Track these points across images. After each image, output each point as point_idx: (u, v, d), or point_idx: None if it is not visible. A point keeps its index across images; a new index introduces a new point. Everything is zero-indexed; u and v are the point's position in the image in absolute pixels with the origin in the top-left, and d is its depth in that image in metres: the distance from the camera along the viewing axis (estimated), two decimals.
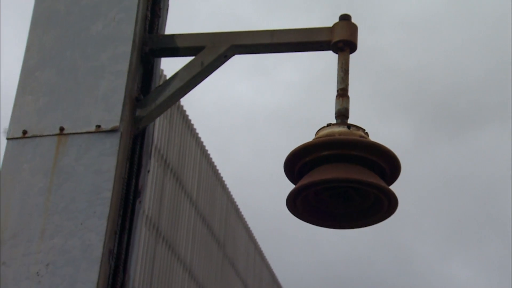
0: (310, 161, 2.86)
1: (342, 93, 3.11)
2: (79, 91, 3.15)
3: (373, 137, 2.94)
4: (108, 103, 3.13)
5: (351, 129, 2.91)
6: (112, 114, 3.11)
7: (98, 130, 3.09)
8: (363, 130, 2.95)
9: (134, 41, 3.24)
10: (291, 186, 2.99)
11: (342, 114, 3.05)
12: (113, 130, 3.08)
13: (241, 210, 6.68)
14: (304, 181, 2.81)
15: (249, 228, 6.97)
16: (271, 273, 7.55)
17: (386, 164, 2.87)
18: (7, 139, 3.09)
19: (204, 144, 6.06)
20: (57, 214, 2.96)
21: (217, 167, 6.10)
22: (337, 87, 3.13)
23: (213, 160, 5.91)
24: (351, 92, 3.12)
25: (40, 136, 3.08)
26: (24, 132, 3.09)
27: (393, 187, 2.89)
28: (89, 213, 2.97)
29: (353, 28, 3.23)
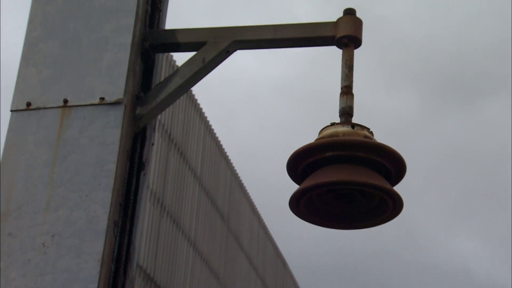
0: (313, 161, 2.79)
1: (346, 91, 3.00)
2: (82, 63, 3.14)
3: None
4: (111, 76, 3.12)
5: (355, 128, 2.82)
6: (115, 86, 3.11)
7: (102, 102, 3.09)
8: (368, 129, 2.86)
9: (137, 13, 3.22)
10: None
11: (346, 113, 2.95)
12: (116, 103, 3.08)
13: (245, 183, 6.71)
14: (307, 183, 2.75)
15: (252, 202, 7.00)
16: (274, 246, 7.59)
17: (391, 164, 2.79)
18: (11, 111, 3.09)
19: (208, 117, 6.07)
20: (62, 186, 2.97)
21: (221, 141, 6.10)
22: (341, 84, 3.03)
23: (217, 133, 5.92)
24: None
25: (44, 108, 3.08)
26: (28, 104, 3.09)
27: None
28: (93, 185, 2.98)
29: (358, 23, 3.13)
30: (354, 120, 2.97)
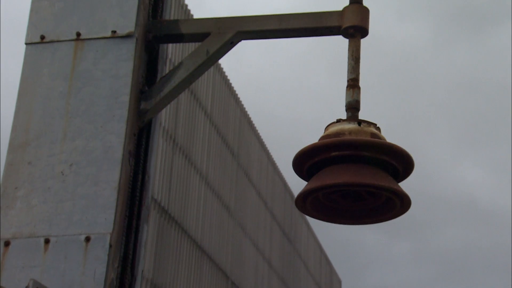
0: (319, 161, 2.73)
1: (353, 84, 2.92)
2: None
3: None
4: (123, 8, 3.17)
5: (361, 125, 2.75)
6: (127, 19, 3.15)
7: (114, 35, 3.15)
8: (375, 125, 2.79)
9: None
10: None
11: (352, 107, 2.88)
12: (128, 36, 3.14)
13: (254, 117, 6.78)
14: (313, 183, 2.70)
15: (262, 139, 7.09)
16: (283, 181, 7.73)
17: (398, 162, 2.72)
18: (26, 44, 3.16)
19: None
20: (78, 117, 3.06)
21: (230, 76, 6.15)
22: (348, 77, 2.94)
23: (225, 67, 5.95)
24: None
25: (58, 41, 3.14)
26: (42, 37, 3.15)
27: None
28: (108, 117, 3.07)
29: (364, 12, 3.04)
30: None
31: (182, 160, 5.10)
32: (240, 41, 3.19)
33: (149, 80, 3.25)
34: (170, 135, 4.92)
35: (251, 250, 6.26)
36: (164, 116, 4.62)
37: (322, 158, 2.70)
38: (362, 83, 2.99)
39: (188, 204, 5.04)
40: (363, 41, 3.05)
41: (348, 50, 2.98)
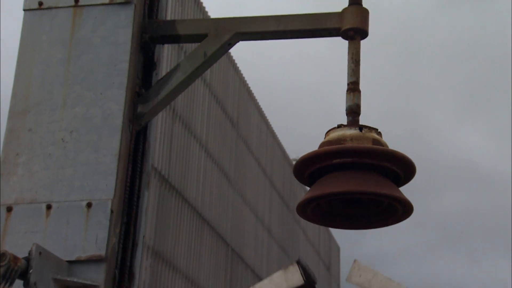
0: (321, 167, 2.69)
1: (353, 88, 2.86)
2: None
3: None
4: None
5: (363, 131, 2.70)
6: None
7: (112, 2, 3.13)
8: (376, 130, 2.75)
9: None
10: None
11: (353, 111, 2.83)
12: (126, 2, 3.12)
13: (254, 86, 6.80)
14: (314, 191, 2.67)
15: (261, 108, 7.11)
16: (282, 150, 7.77)
17: (400, 168, 2.69)
18: (24, 10, 3.14)
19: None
20: (77, 84, 3.07)
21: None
22: (348, 80, 2.88)
23: None
24: None
25: (56, 7, 3.13)
26: (40, 3, 3.13)
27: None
28: (108, 84, 3.07)
29: (364, 14, 2.97)
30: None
31: (182, 129, 5.11)
32: (238, 42, 3.16)
33: (145, 82, 3.23)
34: (170, 104, 4.93)
35: (251, 218, 6.33)
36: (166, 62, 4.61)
37: (324, 165, 2.69)
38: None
39: (188, 173, 5.08)
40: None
41: (348, 52, 2.93)
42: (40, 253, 2.58)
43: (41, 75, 3.07)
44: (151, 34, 3.18)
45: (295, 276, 2.53)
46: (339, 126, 2.76)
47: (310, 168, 2.73)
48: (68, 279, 2.72)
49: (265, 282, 2.58)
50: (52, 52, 3.10)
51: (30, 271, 2.52)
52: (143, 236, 3.19)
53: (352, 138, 2.69)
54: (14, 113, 3.04)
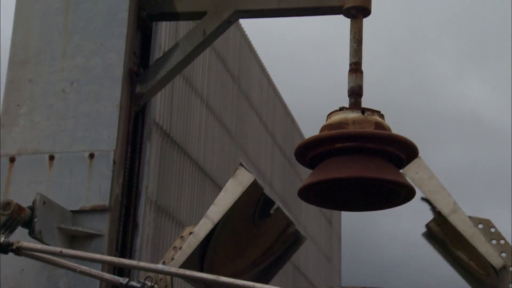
0: (323, 152, 2.67)
1: (355, 68, 2.82)
2: None
3: None
4: None
5: (365, 114, 2.66)
6: None
7: None
8: (378, 112, 2.70)
9: None
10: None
11: (355, 93, 2.79)
12: None
13: (254, 39, 6.72)
14: (316, 176, 2.66)
15: (262, 63, 7.05)
16: (283, 105, 7.74)
17: (403, 152, 2.66)
18: None
19: None
20: (76, 34, 3.03)
21: None
22: (350, 60, 2.83)
23: None
24: None
25: None
26: None
27: None
28: (107, 34, 3.04)
29: None
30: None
31: (183, 84, 5.08)
32: (237, 20, 3.12)
33: (143, 60, 3.18)
34: None
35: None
36: (164, 39, 4.57)
37: (326, 149, 2.66)
38: None
39: (190, 128, 5.07)
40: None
41: (350, 31, 2.87)
42: (44, 203, 2.59)
43: (40, 24, 3.04)
44: (149, 12, 3.13)
45: (245, 176, 2.55)
46: (341, 108, 2.72)
47: (312, 152, 2.70)
48: (73, 228, 2.73)
49: (221, 194, 2.59)
50: (51, 1, 3.06)
51: (35, 220, 2.53)
52: (146, 187, 3.20)
53: (354, 122, 2.64)
54: (14, 63, 3.02)
